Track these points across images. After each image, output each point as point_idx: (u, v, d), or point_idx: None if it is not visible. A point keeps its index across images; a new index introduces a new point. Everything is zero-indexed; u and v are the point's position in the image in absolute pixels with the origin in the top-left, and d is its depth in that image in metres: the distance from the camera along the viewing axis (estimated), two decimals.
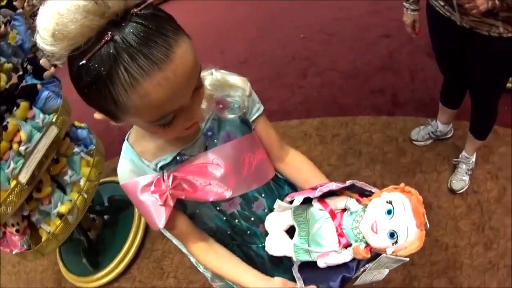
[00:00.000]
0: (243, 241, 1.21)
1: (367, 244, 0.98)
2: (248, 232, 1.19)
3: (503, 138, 2.60)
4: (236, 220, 1.16)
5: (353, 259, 1.00)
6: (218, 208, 1.12)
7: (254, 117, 1.14)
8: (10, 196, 2.08)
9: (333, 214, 1.03)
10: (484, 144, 2.45)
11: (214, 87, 1.06)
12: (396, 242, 0.93)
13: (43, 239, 2.33)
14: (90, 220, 2.99)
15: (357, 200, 1.02)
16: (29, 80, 2.37)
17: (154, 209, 1.01)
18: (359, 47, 3.74)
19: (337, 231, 1.02)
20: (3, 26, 2.20)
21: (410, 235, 0.92)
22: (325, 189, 1.02)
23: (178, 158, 1.03)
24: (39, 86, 2.35)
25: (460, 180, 2.43)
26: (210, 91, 1.04)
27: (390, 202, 0.94)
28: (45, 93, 2.35)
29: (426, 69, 3.04)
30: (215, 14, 5.72)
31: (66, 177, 2.42)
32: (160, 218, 1.02)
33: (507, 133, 2.61)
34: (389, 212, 0.93)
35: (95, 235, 3.00)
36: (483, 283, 2.08)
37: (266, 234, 1.14)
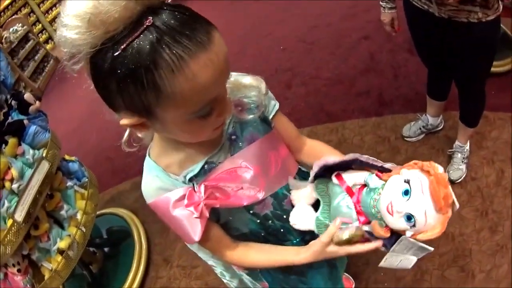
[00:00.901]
0: (277, 240, 1.17)
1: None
2: (282, 230, 1.17)
3: (494, 122, 2.63)
4: (270, 221, 1.13)
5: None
6: (251, 211, 1.10)
7: (272, 114, 1.14)
8: (8, 235, 2.04)
9: (350, 191, 0.99)
10: (476, 131, 2.46)
11: (230, 90, 0.97)
12: (414, 225, 0.87)
13: (46, 277, 2.27)
14: (90, 253, 2.93)
15: (377, 175, 0.97)
16: (15, 116, 2.32)
17: (189, 223, 0.98)
18: (340, 52, 3.78)
19: (355, 208, 0.98)
20: None
21: (429, 220, 0.86)
22: (322, 162, 1.02)
23: (206, 167, 1.00)
24: (25, 122, 2.32)
25: (457, 170, 2.44)
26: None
27: (408, 182, 0.87)
28: (33, 128, 2.33)
29: (408, 65, 3.07)
30: None
31: (63, 212, 2.38)
32: (195, 231, 0.99)
33: (497, 117, 2.64)
34: (406, 193, 0.87)
35: (97, 268, 2.93)
36: (494, 265, 2.07)
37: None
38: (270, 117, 1.13)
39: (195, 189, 0.98)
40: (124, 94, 0.73)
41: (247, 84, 1.07)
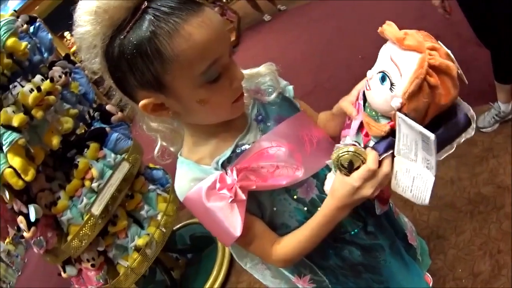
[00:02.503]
0: (332, 232, 1.04)
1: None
2: None
3: None
4: (318, 208, 1.03)
5: None
6: (295, 197, 1.04)
7: (291, 97, 1.16)
8: (84, 229, 2.18)
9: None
10: None
11: (245, 81, 1.02)
12: (392, 84, 0.80)
13: (120, 274, 2.37)
14: (173, 259, 3.03)
15: None
16: (97, 125, 2.55)
17: (226, 214, 0.93)
18: None
19: (361, 131, 0.94)
20: (63, 76, 2.43)
21: (400, 65, 0.78)
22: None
23: (237, 150, 0.99)
24: (107, 129, 2.52)
25: None
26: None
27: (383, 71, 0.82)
28: (115, 135, 2.51)
29: (478, 58, 2.94)
30: (275, 54, 6.08)
31: (143, 212, 2.49)
32: (234, 223, 0.93)
33: None
34: (382, 78, 0.83)
35: (178, 274, 3.00)
36: None
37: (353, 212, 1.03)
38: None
39: (228, 174, 0.95)
40: (134, 70, 0.82)
41: (258, 72, 1.12)
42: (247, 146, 0.99)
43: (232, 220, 0.93)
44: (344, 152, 0.89)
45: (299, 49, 5.76)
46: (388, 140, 0.87)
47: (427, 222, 2.40)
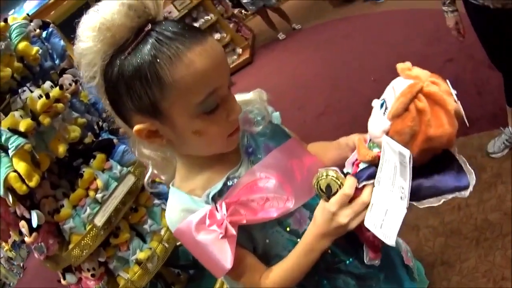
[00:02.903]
0: (327, 263, 1.04)
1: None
2: (329, 251, 1.02)
3: None
4: None
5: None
6: (288, 229, 1.01)
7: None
8: (85, 239, 2.18)
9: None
10: None
11: None
12: (386, 109, 0.80)
13: (120, 286, 2.36)
14: (174, 275, 2.98)
15: None
16: (105, 136, 2.55)
17: (216, 247, 0.91)
18: None
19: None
20: (73, 84, 2.45)
21: (397, 90, 0.78)
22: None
23: (228, 183, 0.97)
24: (115, 141, 2.53)
25: None
26: None
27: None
28: (122, 147, 2.51)
29: (491, 81, 2.95)
30: (288, 72, 6.13)
31: (146, 226, 2.47)
32: (225, 256, 0.91)
33: None
34: (382, 105, 0.82)
35: None
36: None
37: (347, 242, 1.01)
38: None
39: (217, 208, 0.94)
40: (132, 93, 0.82)
41: (247, 100, 1.10)
42: (237, 180, 0.98)
43: (222, 254, 0.91)
44: (323, 176, 0.88)
45: (312, 69, 5.78)
46: (371, 169, 0.85)
47: (432, 248, 2.36)
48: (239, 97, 1.07)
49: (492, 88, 2.78)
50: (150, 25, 0.82)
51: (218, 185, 0.97)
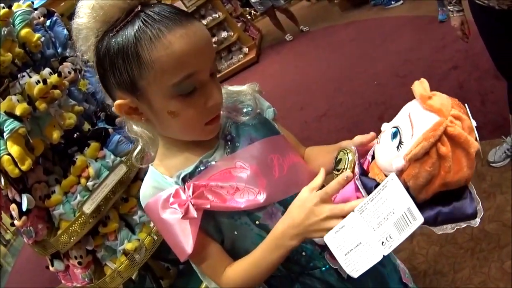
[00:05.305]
0: (301, 268, 1.01)
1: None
2: (303, 253, 1.00)
3: None
4: None
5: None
6: (257, 222, 0.97)
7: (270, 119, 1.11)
8: (74, 225, 2.19)
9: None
10: None
11: (225, 97, 1.01)
12: (401, 143, 0.72)
13: (107, 275, 2.37)
14: (164, 269, 2.99)
15: None
16: (101, 125, 2.57)
17: (179, 228, 0.91)
18: (431, 84, 3.67)
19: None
20: (73, 72, 2.46)
21: (416, 124, 0.70)
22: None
23: (201, 167, 0.96)
24: (110, 130, 2.53)
25: None
26: None
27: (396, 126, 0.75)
28: (117, 137, 2.52)
29: (495, 91, 2.92)
30: (292, 74, 6.16)
31: (136, 217, 2.48)
32: (186, 239, 0.91)
33: None
34: (394, 135, 0.74)
35: (168, 284, 2.95)
36: None
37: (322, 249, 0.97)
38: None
39: (184, 190, 0.93)
40: (114, 70, 0.85)
41: (239, 90, 1.10)
42: (212, 163, 0.97)
43: (184, 237, 0.91)
44: (347, 150, 0.88)
45: (316, 71, 5.78)
46: (372, 184, 0.79)
47: (425, 256, 2.32)
48: (233, 88, 1.11)
49: (496, 98, 2.76)
50: (140, 6, 0.85)
51: (190, 168, 0.97)
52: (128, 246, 2.39)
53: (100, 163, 2.36)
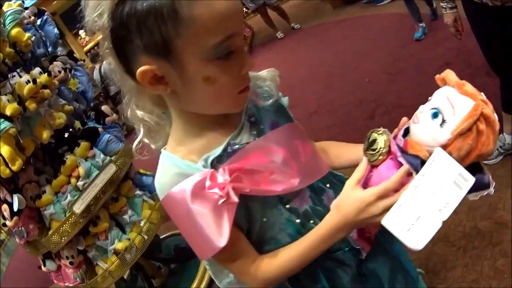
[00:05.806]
0: (327, 251, 0.95)
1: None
2: None
3: None
4: (311, 221, 0.96)
5: None
6: (287, 206, 0.94)
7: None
8: (64, 225, 2.19)
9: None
10: None
11: None
12: (443, 121, 0.81)
13: (98, 275, 2.37)
14: (155, 268, 2.98)
15: None
16: (91, 124, 2.56)
17: (214, 217, 0.82)
18: (423, 81, 3.69)
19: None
20: (63, 71, 2.43)
21: (456, 105, 0.80)
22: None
23: (228, 149, 0.90)
24: (100, 130, 2.52)
25: None
26: None
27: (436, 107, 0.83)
28: (106, 136, 2.51)
29: (487, 88, 2.91)
30: (283, 71, 5.98)
31: (126, 217, 2.47)
32: (220, 229, 0.82)
33: None
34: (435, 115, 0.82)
35: (159, 283, 2.94)
36: None
37: None
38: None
39: (219, 172, 0.85)
40: (143, 30, 0.74)
41: (258, 75, 1.05)
42: (239, 146, 0.91)
43: (216, 228, 0.82)
44: (380, 132, 0.90)
45: (307, 68, 5.80)
46: (417, 160, 0.83)
47: (417, 255, 2.32)
48: (252, 73, 1.00)
49: (488, 95, 2.75)
50: None
51: (218, 150, 0.89)
52: (119, 245, 2.38)
53: (90, 163, 2.34)
